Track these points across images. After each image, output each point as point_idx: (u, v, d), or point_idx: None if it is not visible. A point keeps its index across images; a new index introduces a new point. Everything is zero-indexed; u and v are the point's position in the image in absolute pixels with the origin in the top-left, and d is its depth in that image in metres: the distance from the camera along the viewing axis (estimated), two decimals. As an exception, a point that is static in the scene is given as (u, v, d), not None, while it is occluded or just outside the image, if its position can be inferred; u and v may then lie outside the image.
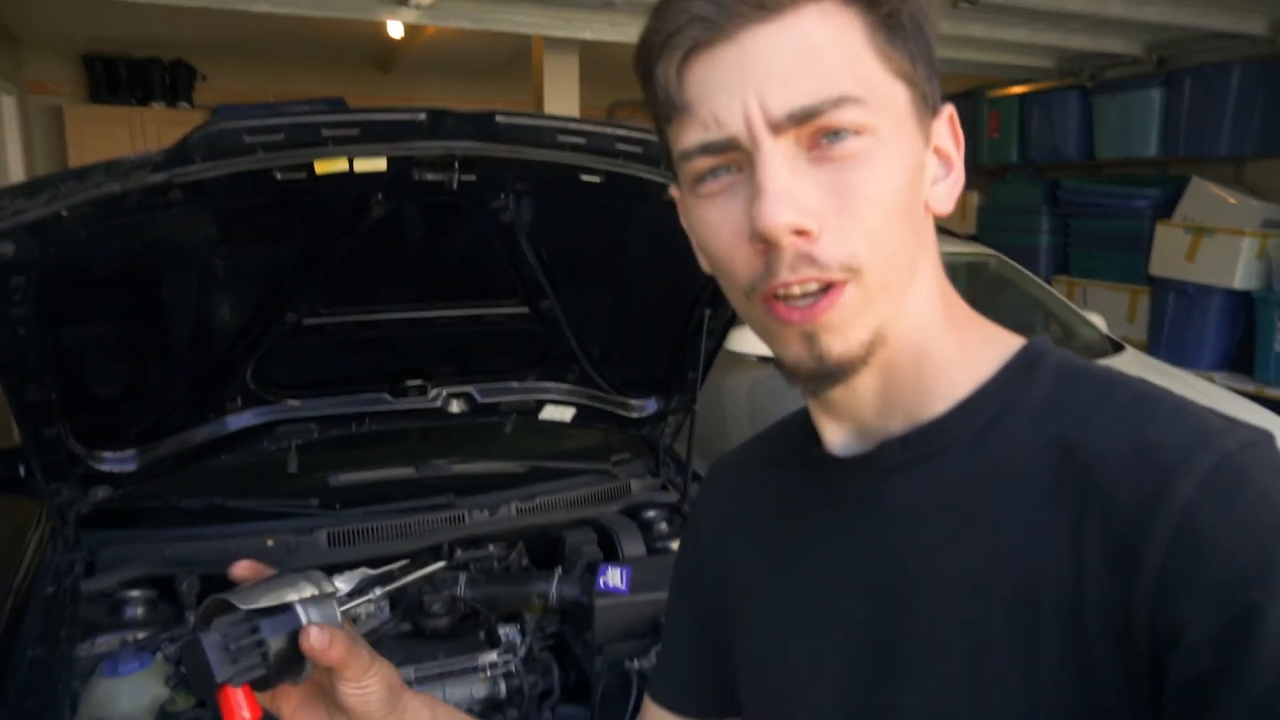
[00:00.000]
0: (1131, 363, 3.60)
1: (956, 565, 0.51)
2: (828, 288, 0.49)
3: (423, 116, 1.20)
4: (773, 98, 0.47)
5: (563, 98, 4.83)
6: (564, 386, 1.92)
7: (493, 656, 1.54)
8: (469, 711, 1.02)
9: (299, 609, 0.60)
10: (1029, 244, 5.53)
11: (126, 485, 1.59)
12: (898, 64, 0.50)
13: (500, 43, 5.14)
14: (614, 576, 1.62)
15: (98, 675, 1.32)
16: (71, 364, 1.41)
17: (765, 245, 0.48)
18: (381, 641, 1.51)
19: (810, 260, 0.48)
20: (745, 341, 2.68)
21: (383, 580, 0.69)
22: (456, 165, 1.29)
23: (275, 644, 0.58)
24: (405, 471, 1.83)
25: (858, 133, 0.48)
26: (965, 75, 5.60)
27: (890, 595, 0.53)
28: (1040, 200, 5.64)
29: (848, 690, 0.55)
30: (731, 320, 1.80)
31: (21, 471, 1.61)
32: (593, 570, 1.65)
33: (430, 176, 1.30)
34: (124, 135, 5.89)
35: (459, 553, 1.72)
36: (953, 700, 0.50)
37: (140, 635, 1.46)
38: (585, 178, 1.41)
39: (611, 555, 1.80)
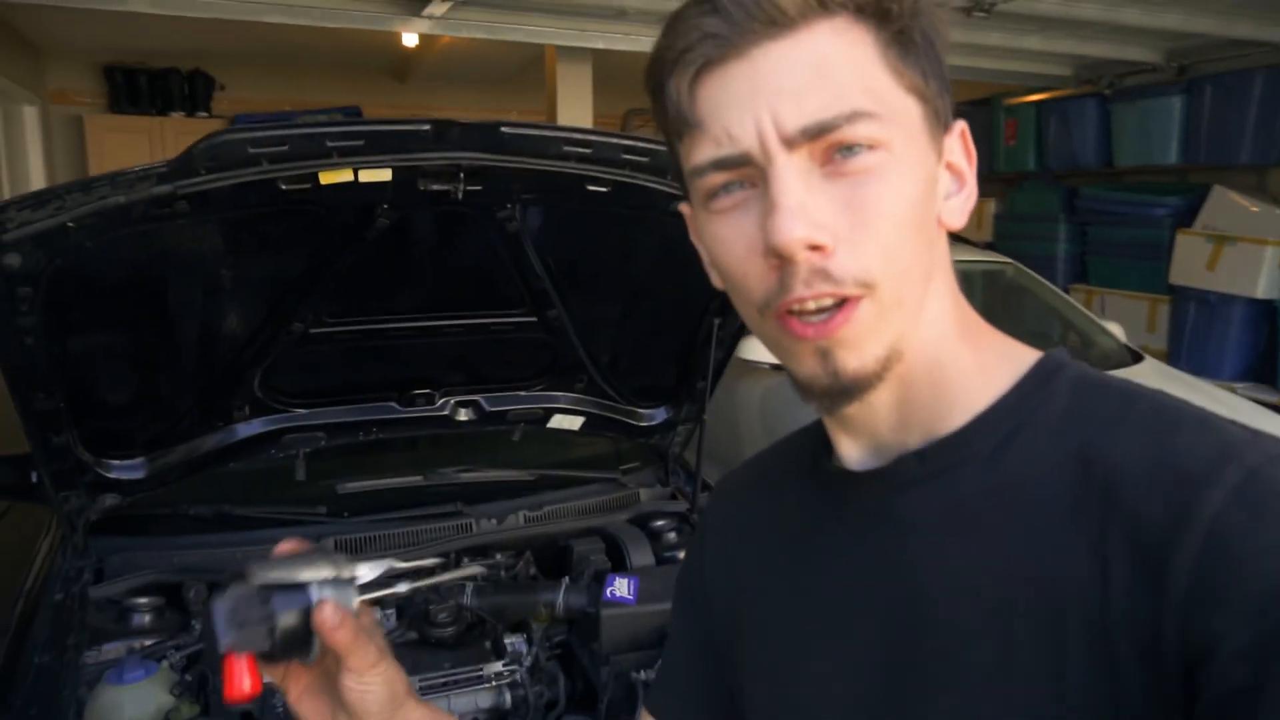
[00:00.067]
0: (1151, 373, 3.55)
1: (977, 581, 0.50)
2: (842, 303, 0.49)
3: (427, 127, 1.20)
4: (786, 113, 0.47)
5: (576, 107, 4.84)
6: (572, 395, 1.92)
7: (498, 666, 1.54)
8: (472, 722, 1.01)
9: (313, 588, 0.59)
10: (1046, 252, 5.48)
11: (135, 493, 1.60)
12: (910, 80, 0.50)
13: (514, 52, 5.17)
14: (621, 587, 1.61)
15: (103, 683, 1.33)
16: (80, 372, 1.42)
17: (779, 261, 0.48)
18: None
19: (825, 275, 0.48)
20: (757, 349, 2.67)
21: (411, 575, 0.67)
22: (462, 176, 1.29)
23: (284, 619, 0.58)
24: (413, 480, 1.83)
25: (871, 148, 0.48)
26: (982, 83, 5.57)
27: (909, 612, 0.52)
28: (1058, 208, 5.59)
29: (865, 710, 0.54)
30: (741, 330, 1.79)
31: (34, 478, 1.62)
32: (600, 580, 1.64)
33: (436, 187, 1.30)
34: (143, 145, 5.97)
35: (465, 561, 1.71)
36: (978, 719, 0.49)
37: (147, 643, 1.47)
38: (592, 188, 1.40)
39: (620, 565, 1.79)
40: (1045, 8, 3.88)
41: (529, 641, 1.60)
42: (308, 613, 0.58)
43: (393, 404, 1.75)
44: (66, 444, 1.47)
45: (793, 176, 0.48)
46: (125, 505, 1.62)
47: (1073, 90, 5.50)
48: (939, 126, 0.53)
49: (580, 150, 1.32)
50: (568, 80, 4.80)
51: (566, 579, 1.71)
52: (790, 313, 0.49)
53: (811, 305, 0.49)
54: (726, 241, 0.51)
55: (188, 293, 1.42)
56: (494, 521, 1.81)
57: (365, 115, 6.75)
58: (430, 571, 0.72)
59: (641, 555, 1.81)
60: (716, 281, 0.56)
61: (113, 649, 1.45)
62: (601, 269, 1.72)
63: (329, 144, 1.16)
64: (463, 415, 1.81)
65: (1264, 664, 0.41)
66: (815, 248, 0.47)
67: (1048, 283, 4.23)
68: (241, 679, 0.56)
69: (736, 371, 2.72)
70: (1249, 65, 4.52)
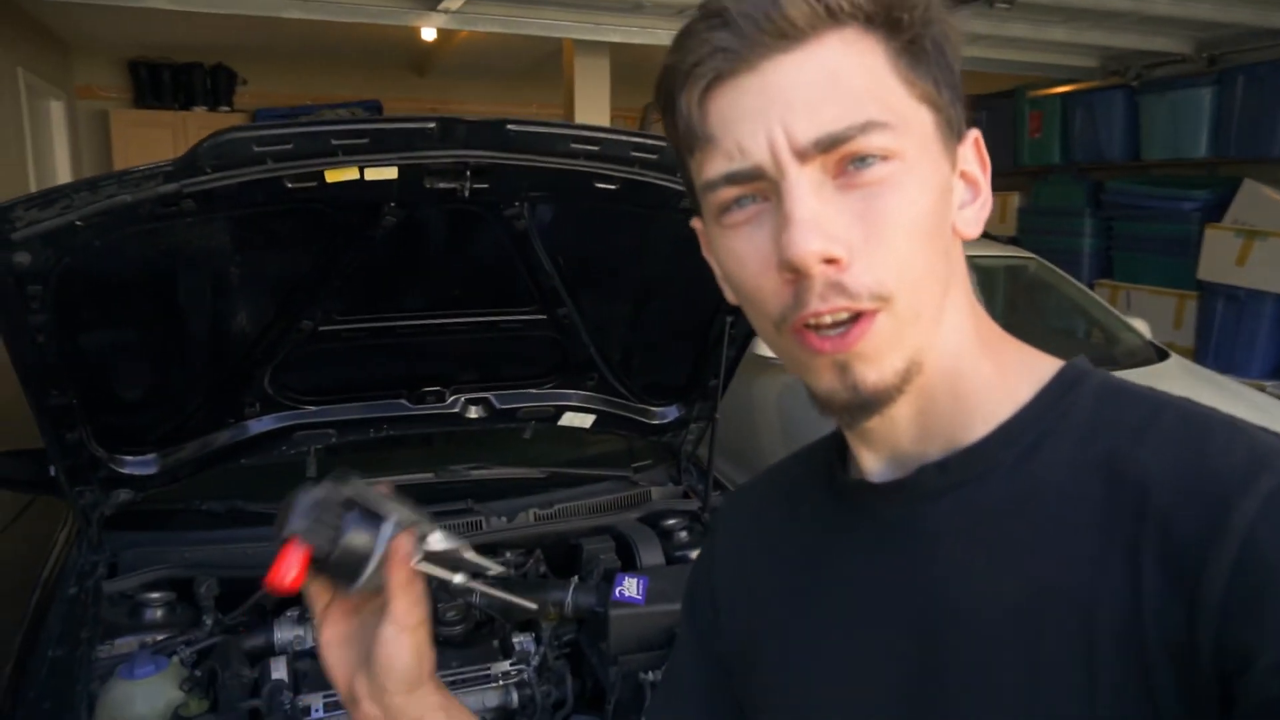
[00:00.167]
0: (1176, 371, 3.48)
1: (1004, 592, 0.49)
2: (858, 316, 0.48)
3: (433, 125, 1.20)
4: (798, 125, 0.47)
5: (594, 100, 4.83)
6: (583, 393, 1.91)
7: (505, 666, 1.53)
8: (481, 721, 1.00)
9: (389, 524, 0.59)
10: (1071, 247, 5.39)
11: (148, 488, 1.61)
12: (922, 89, 0.50)
13: (533, 45, 5.16)
14: (630, 587, 1.60)
15: (114, 678, 1.34)
16: (91, 369, 1.43)
17: (794, 275, 0.48)
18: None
19: (840, 289, 0.47)
20: (772, 347, 2.64)
21: (471, 570, 0.66)
22: (468, 173, 1.28)
23: (351, 536, 0.58)
24: (424, 477, 1.84)
25: (884, 158, 0.48)
26: (1007, 75, 5.48)
27: (935, 625, 0.52)
28: (1083, 202, 5.50)
29: None
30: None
31: (52, 472, 1.64)
32: (609, 579, 1.63)
33: (442, 185, 1.29)
34: (167, 138, 6.03)
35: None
36: None
37: (158, 637, 1.48)
38: (600, 185, 1.39)
39: (630, 564, 1.79)
40: (1071, -1, 3.81)
41: (537, 641, 1.60)
42: (371, 542, 0.58)
43: (403, 401, 1.75)
44: (80, 440, 1.48)
45: (806, 189, 0.47)
46: (139, 500, 1.64)
47: (1099, 82, 5.40)
48: (952, 135, 0.52)
49: (588, 148, 1.31)
50: (585, 74, 4.79)
51: (576, 578, 1.70)
52: (806, 327, 0.49)
53: (828, 319, 0.48)
54: (740, 256, 0.51)
55: (197, 290, 1.43)
56: (504, 519, 1.81)
57: (385, 109, 6.78)
58: (487, 576, 0.70)
59: (652, 554, 1.80)
60: (730, 297, 0.55)
61: (125, 643, 1.46)
62: (612, 267, 1.71)
63: (334, 142, 1.15)
64: (473, 413, 1.81)
65: None
66: (830, 261, 0.47)
67: (1071, 278, 4.16)
68: (289, 568, 0.56)
69: (753, 369, 2.70)
70: (1282, 56, 4.42)
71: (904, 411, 0.53)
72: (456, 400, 1.79)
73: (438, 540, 0.62)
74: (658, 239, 1.65)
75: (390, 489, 0.62)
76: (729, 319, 1.71)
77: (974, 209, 0.54)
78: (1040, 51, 4.93)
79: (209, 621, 1.51)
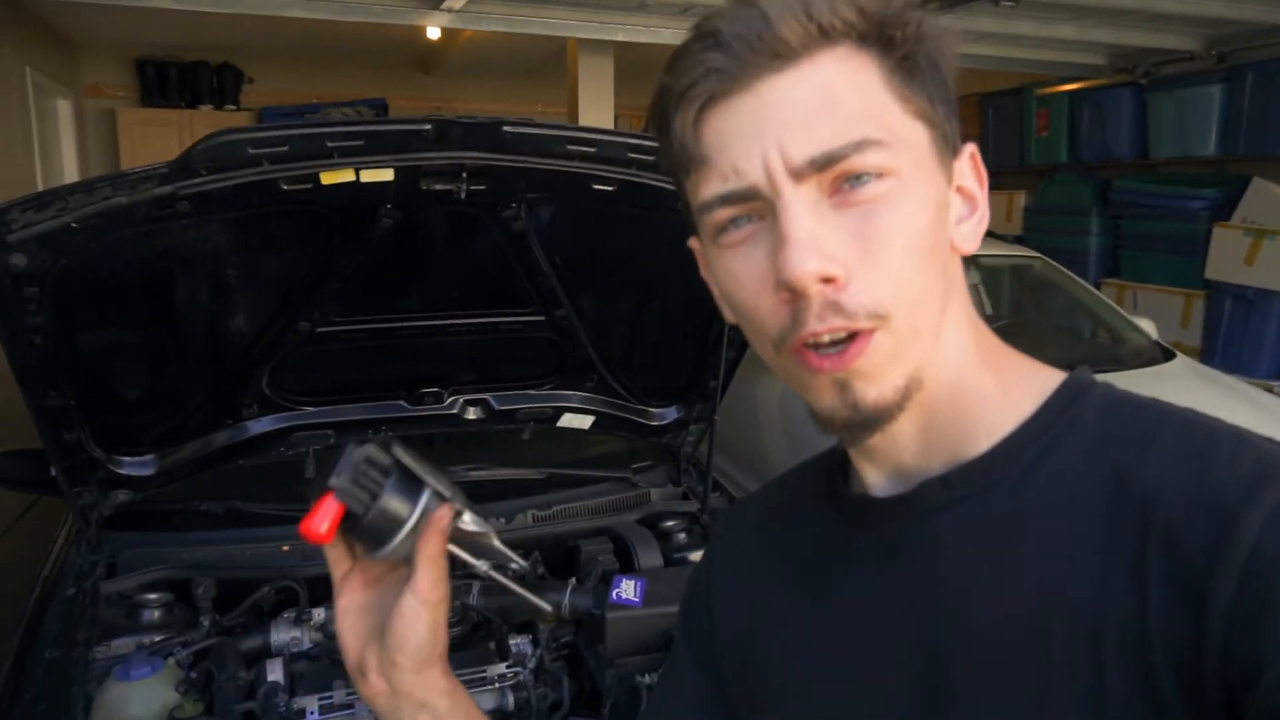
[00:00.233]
0: (1182, 370, 3.46)
1: (1011, 605, 0.49)
2: (856, 334, 0.48)
3: (428, 127, 1.19)
4: (792, 145, 0.47)
5: (598, 99, 4.83)
6: (582, 394, 1.90)
7: (501, 668, 1.53)
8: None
9: (427, 495, 0.59)
10: (1078, 246, 5.35)
11: (146, 489, 1.62)
12: (916, 105, 0.50)
13: (539, 44, 5.16)
14: (628, 589, 1.59)
15: (110, 679, 1.34)
16: (89, 370, 1.43)
17: (792, 294, 0.48)
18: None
19: (837, 309, 0.47)
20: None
21: (496, 561, 0.65)
22: (464, 175, 1.28)
23: (387, 499, 0.58)
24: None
25: (880, 176, 0.48)
26: (1014, 73, 5.45)
27: (941, 639, 0.51)
28: (1090, 201, 5.46)
29: None
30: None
31: (54, 472, 1.64)
32: (607, 581, 1.62)
33: (439, 186, 1.29)
34: (173, 137, 6.04)
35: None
36: None
37: (155, 638, 1.48)
38: (598, 187, 1.39)
39: (628, 565, 1.78)
40: (1078, -4, 3.78)
41: (534, 643, 1.60)
42: (407, 510, 0.58)
43: (401, 402, 1.75)
44: (78, 440, 1.49)
45: (801, 208, 0.47)
46: (138, 501, 1.64)
47: (1107, 80, 5.36)
48: (948, 150, 0.52)
49: (585, 149, 1.30)
50: (589, 73, 4.78)
51: (573, 580, 1.70)
52: (805, 346, 0.49)
53: (826, 338, 0.48)
54: (737, 276, 0.50)
55: (194, 291, 1.43)
56: (502, 520, 1.81)
57: (391, 108, 6.79)
58: (510, 569, 0.68)
59: (650, 556, 1.79)
60: (729, 316, 0.55)
61: (122, 644, 1.47)
62: (610, 268, 1.70)
63: (329, 144, 1.15)
64: (471, 414, 1.80)
65: None
66: (828, 280, 0.47)
67: (1077, 278, 4.14)
68: (323, 520, 0.56)
69: (756, 370, 2.69)
70: (1292, 53, 4.37)
71: (906, 427, 0.53)
72: (455, 401, 1.79)
73: (470, 522, 0.61)
74: (656, 240, 1.64)
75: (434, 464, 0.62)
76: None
77: (971, 224, 0.54)
78: (1047, 49, 4.90)
79: (206, 623, 1.51)
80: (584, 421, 1.94)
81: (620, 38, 4.24)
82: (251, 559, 1.63)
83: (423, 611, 0.58)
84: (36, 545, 1.91)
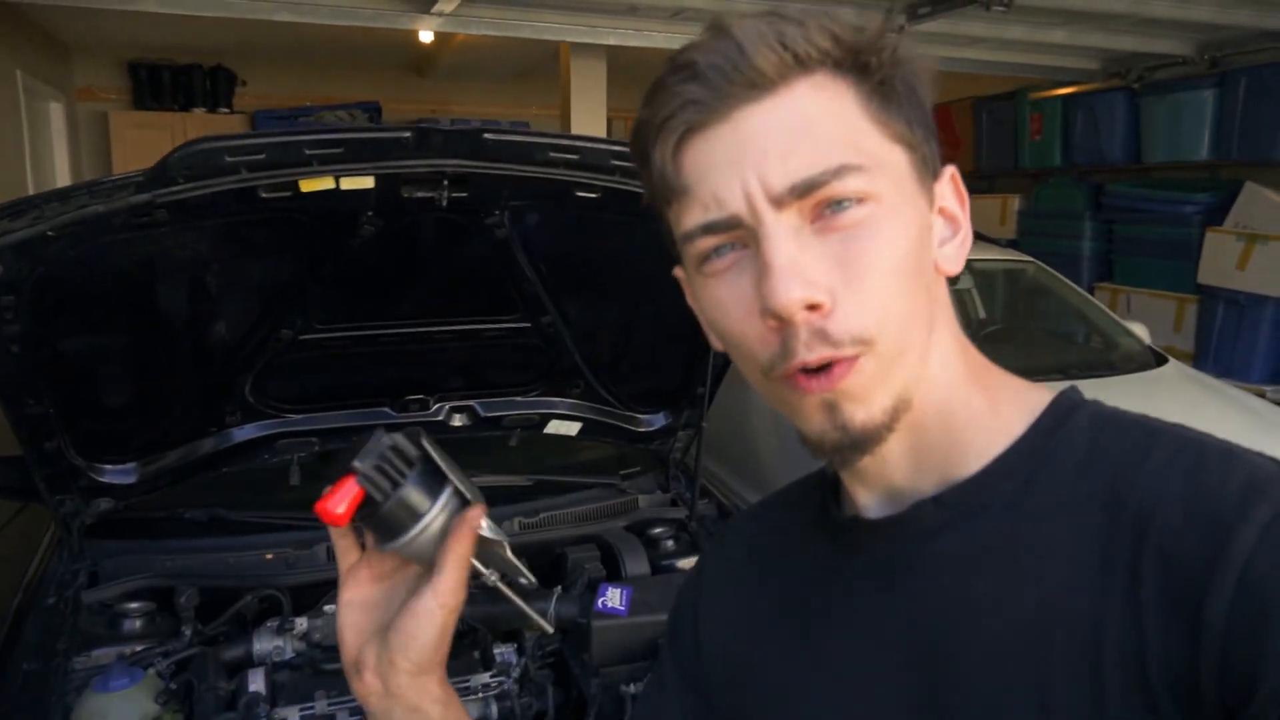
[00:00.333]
0: (1175, 375, 3.46)
1: (1009, 626, 0.49)
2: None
3: (408, 134, 1.19)
4: (772, 173, 0.47)
5: (590, 102, 4.82)
6: (569, 401, 1.90)
7: (485, 678, 1.52)
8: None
9: (448, 494, 0.58)
10: (1071, 250, 5.36)
11: (128, 497, 1.61)
12: (894, 129, 0.50)
13: (532, 47, 5.15)
14: (614, 597, 1.59)
15: (89, 690, 1.33)
16: (69, 378, 1.42)
17: (778, 322, 0.48)
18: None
19: (824, 337, 0.48)
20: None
21: (505, 573, 0.64)
22: (446, 183, 1.27)
23: (407, 491, 0.56)
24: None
25: (860, 200, 0.48)
26: (1008, 77, 5.46)
27: (941, 662, 0.51)
28: (1083, 205, 5.46)
29: None
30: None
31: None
32: (593, 589, 1.62)
33: (420, 194, 1.28)
34: (166, 140, 6.00)
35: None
36: None
37: (136, 648, 1.47)
38: (581, 194, 1.38)
39: (615, 573, 1.77)
40: (1069, 1, 3.78)
41: (519, 652, 1.59)
42: (426, 505, 0.57)
43: (387, 409, 1.74)
44: (58, 449, 1.47)
45: (783, 236, 0.48)
46: (120, 509, 1.63)
47: (1100, 84, 5.37)
48: (928, 173, 0.53)
49: (567, 156, 1.29)
50: (581, 76, 4.78)
51: (559, 588, 1.69)
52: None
53: (815, 366, 0.48)
54: (723, 304, 0.51)
55: (174, 299, 1.42)
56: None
57: (385, 111, 6.78)
58: (516, 582, 0.67)
59: (637, 564, 1.78)
60: (716, 344, 0.55)
61: (103, 654, 1.45)
62: (596, 274, 1.70)
63: (307, 152, 1.14)
64: (457, 421, 1.80)
65: None
66: (813, 307, 0.47)
67: (1070, 282, 4.14)
68: (341, 501, 0.55)
69: (745, 374, 2.68)
70: (1285, 58, 4.39)
71: (896, 448, 0.53)
72: (441, 408, 1.78)
73: (486, 529, 0.60)
74: (642, 246, 1.63)
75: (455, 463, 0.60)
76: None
77: (954, 245, 0.55)
78: (1040, 54, 4.91)
79: (188, 632, 1.50)
80: (571, 428, 1.93)
81: (611, 41, 4.24)
82: (235, 567, 1.62)
83: (438, 614, 0.57)
84: (22, 550, 1.90)
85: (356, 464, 0.55)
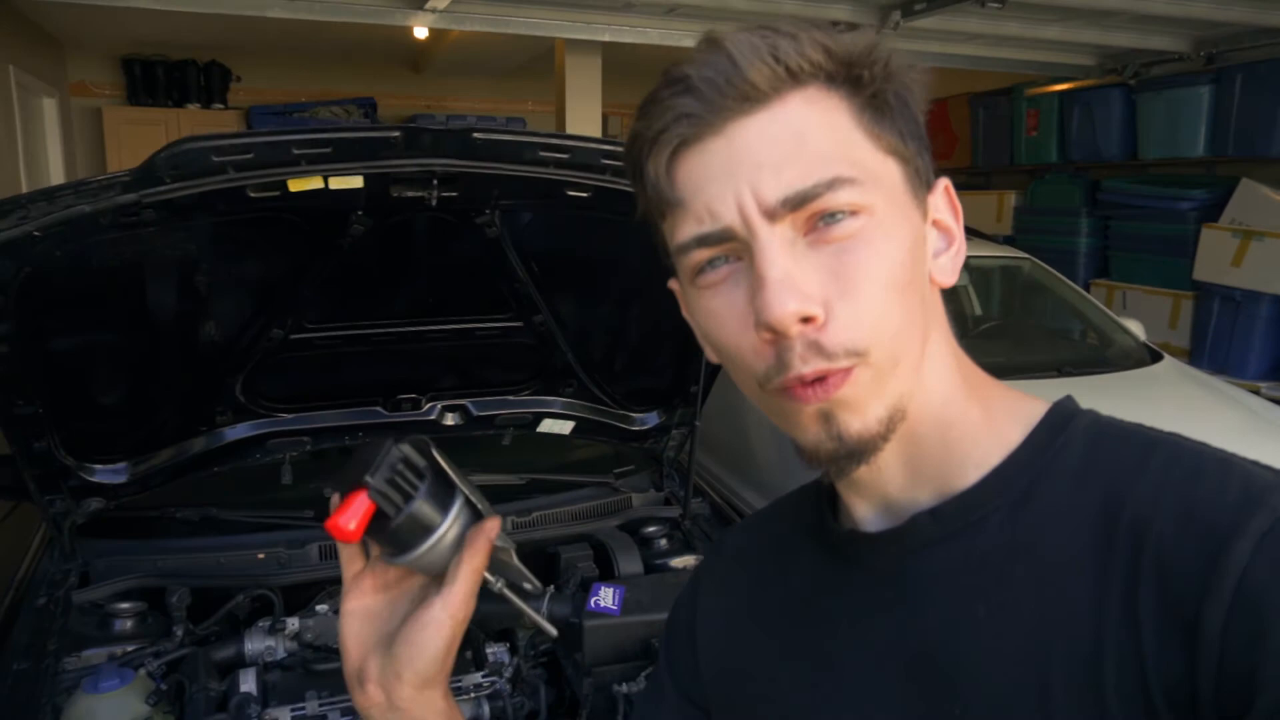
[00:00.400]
0: (1170, 372, 3.46)
1: (1009, 638, 0.49)
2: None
3: (397, 134, 1.18)
4: (765, 186, 0.48)
5: (586, 98, 4.81)
6: (562, 399, 1.89)
7: (477, 678, 1.52)
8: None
9: (458, 506, 0.57)
10: (1067, 246, 5.36)
11: (119, 497, 1.60)
12: (887, 142, 0.50)
13: (527, 43, 5.14)
14: (606, 597, 1.58)
15: (79, 691, 1.32)
16: (58, 378, 1.42)
17: (773, 335, 0.48)
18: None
19: (818, 349, 0.48)
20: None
21: (512, 581, 0.64)
22: (435, 182, 1.26)
23: (418, 505, 0.55)
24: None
25: (854, 213, 0.48)
26: (1004, 73, 5.45)
27: (941, 678, 0.51)
28: (1080, 201, 5.46)
29: None
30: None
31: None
32: (586, 589, 1.61)
33: (410, 193, 1.28)
34: (160, 136, 6.00)
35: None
36: None
37: (128, 649, 1.47)
38: (572, 193, 1.37)
39: (608, 572, 1.77)
40: (1064, -2, 3.78)
41: (512, 651, 1.59)
42: (437, 520, 0.56)
43: (378, 408, 1.74)
44: (48, 449, 1.47)
45: (777, 248, 0.48)
46: (111, 508, 1.62)
47: (1097, 80, 5.36)
48: (921, 185, 0.53)
49: (557, 155, 1.29)
50: (577, 72, 4.76)
51: (552, 587, 1.69)
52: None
53: (810, 378, 0.49)
54: (718, 317, 0.51)
55: (164, 299, 1.41)
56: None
57: (380, 106, 6.76)
58: (524, 589, 0.66)
59: (630, 563, 1.78)
60: (711, 356, 0.55)
61: (93, 655, 1.45)
62: (588, 273, 1.69)
63: (295, 151, 1.13)
64: (449, 420, 1.79)
65: None
66: (807, 320, 0.47)
67: (1065, 279, 4.14)
68: (352, 518, 0.54)
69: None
70: (1281, 55, 4.38)
71: (891, 459, 0.53)
72: (433, 407, 1.78)
73: (502, 543, 0.60)
74: (634, 245, 1.62)
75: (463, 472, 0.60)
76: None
77: (949, 256, 0.55)
78: (1036, 50, 4.90)
79: (179, 632, 1.49)
80: (564, 427, 1.93)
81: (606, 38, 4.22)
82: (227, 567, 1.62)
83: (447, 626, 0.56)
84: (12, 550, 1.89)
85: (368, 478, 0.54)
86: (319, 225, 1.34)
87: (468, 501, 0.57)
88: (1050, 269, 4.11)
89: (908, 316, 0.50)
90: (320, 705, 1.39)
